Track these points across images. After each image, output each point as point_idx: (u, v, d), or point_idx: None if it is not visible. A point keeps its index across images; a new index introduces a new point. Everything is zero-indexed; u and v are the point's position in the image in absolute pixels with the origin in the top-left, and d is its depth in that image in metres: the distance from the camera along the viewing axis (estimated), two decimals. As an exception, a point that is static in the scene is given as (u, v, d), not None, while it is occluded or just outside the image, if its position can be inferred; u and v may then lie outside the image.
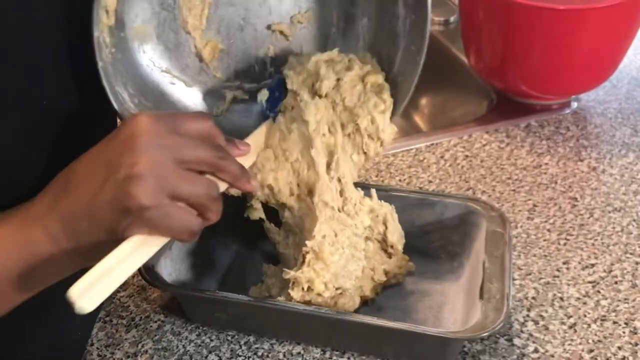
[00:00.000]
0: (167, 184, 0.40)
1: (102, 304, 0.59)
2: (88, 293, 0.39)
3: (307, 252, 0.52)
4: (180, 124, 0.42)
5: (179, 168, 0.41)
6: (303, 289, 0.51)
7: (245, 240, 0.64)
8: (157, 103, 0.57)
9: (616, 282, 0.60)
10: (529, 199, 0.70)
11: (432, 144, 0.79)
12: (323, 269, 0.52)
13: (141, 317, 0.58)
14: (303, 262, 0.52)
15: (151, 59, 0.58)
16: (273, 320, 0.54)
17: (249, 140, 0.52)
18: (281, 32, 0.60)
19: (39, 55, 0.47)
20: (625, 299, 0.58)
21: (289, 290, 0.51)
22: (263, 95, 0.58)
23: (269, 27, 0.60)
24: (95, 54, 0.50)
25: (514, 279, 0.60)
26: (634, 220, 0.66)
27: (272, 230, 0.59)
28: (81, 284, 0.38)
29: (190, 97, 0.60)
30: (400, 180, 0.73)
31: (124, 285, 0.61)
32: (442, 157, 0.77)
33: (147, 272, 0.53)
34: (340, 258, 0.53)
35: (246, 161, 0.50)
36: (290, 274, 0.51)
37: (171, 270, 0.56)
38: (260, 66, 0.61)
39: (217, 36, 0.59)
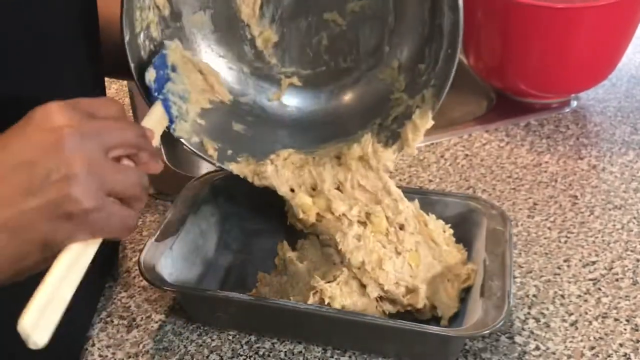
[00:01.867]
0: (105, 180, 0.37)
1: (101, 305, 0.59)
2: (40, 323, 0.34)
3: (341, 273, 0.53)
4: (96, 109, 0.39)
5: (109, 159, 0.38)
6: (323, 301, 0.52)
7: (251, 236, 0.64)
8: None
9: (617, 280, 0.60)
10: (530, 197, 0.70)
11: (432, 144, 0.79)
12: (348, 292, 0.52)
13: (142, 318, 0.58)
14: (333, 279, 0.53)
15: (209, 46, 0.60)
16: (274, 319, 0.54)
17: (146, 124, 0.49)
18: (334, 21, 0.60)
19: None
20: (627, 296, 0.58)
21: (311, 293, 0.52)
22: (151, 75, 0.53)
23: (322, 16, 0.60)
24: (127, 58, 0.51)
25: (514, 277, 0.60)
26: (635, 218, 0.66)
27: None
28: (31, 315, 0.34)
29: (246, 82, 0.61)
30: (400, 180, 0.73)
31: (125, 286, 0.61)
32: (442, 156, 0.77)
33: (148, 272, 0.53)
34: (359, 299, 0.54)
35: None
36: (320, 283, 0.52)
37: (172, 270, 0.56)
38: (314, 53, 0.61)
39: (272, 25, 0.60)
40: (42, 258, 0.36)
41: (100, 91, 0.57)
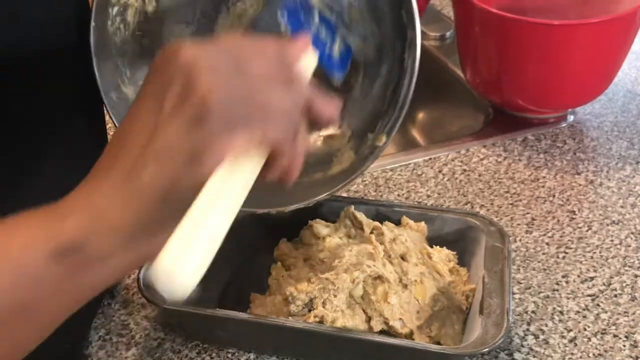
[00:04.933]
0: (238, 64, 0.33)
1: (100, 322, 0.59)
2: (185, 259, 0.27)
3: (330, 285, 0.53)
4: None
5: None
6: (315, 316, 0.52)
7: (246, 254, 0.64)
8: None
9: (615, 296, 0.60)
10: (527, 213, 0.70)
11: (430, 159, 0.79)
12: (351, 315, 0.52)
13: (141, 335, 0.58)
14: (324, 305, 0.52)
15: None
16: (273, 337, 0.54)
17: None
18: None
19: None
20: (625, 312, 0.58)
21: (312, 314, 0.52)
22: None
23: None
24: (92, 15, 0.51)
25: (513, 293, 0.60)
26: (632, 233, 0.67)
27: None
28: (171, 250, 0.27)
29: None
30: (398, 195, 0.74)
31: (124, 303, 0.61)
32: (440, 171, 0.77)
33: (147, 290, 0.53)
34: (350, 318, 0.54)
35: None
36: (320, 309, 0.52)
37: (171, 287, 0.56)
38: None
39: None
40: (192, 183, 0.31)
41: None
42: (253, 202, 0.55)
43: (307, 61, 0.39)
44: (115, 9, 0.53)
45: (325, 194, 0.54)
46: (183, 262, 0.27)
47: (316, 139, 0.63)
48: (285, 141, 0.34)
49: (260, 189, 0.60)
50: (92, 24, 0.51)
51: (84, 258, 0.31)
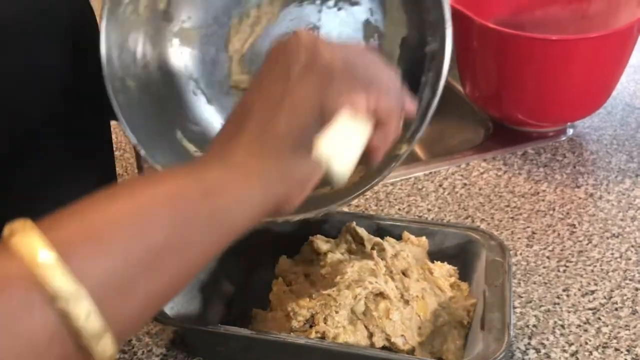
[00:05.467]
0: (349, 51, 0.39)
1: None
2: (336, 152, 0.36)
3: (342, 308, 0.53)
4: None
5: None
6: (317, 332, 0.52)
7: (248, 270, 0.64)
8: (163, 98, 0.58)
9: (616, 309, 0.60)
10: (528, 227, 0.70)
11: (431, 173, 0.80)
12: (352, 331, 0.52)
13: (143, 352, 0.58)
14: (335, 313, 0.53)
15: (186, 63, 0.60)
16: (275, 353, 0.54)
17: None
18: None
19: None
20: (626, 326, 0.58)
21: (313, 330, 0.52)
22: None
23: None
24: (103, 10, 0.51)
25: (514, 307, 0.60)
26: (632, 246, 0.67)
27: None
28: (326, 139, 0.36)
29: (207, 111, 0.61)
30: (399, 209, 0.74)
31: (126, 319, 0.61)
32: (440, 185, 0.78)
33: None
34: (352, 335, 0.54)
35: None
36: (321, 325, 0.52)
37: (173, 303, 0.56)
38: None
39: (253, 66, 0.61)
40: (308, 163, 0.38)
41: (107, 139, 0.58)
42: None
43: None
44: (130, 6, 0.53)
45: (336, 204, 0.54)
46: (335, 156, 0.36)
47: None
48: (395, 112, 0.40)
49: None
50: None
51: (228, 198, 0.35)
